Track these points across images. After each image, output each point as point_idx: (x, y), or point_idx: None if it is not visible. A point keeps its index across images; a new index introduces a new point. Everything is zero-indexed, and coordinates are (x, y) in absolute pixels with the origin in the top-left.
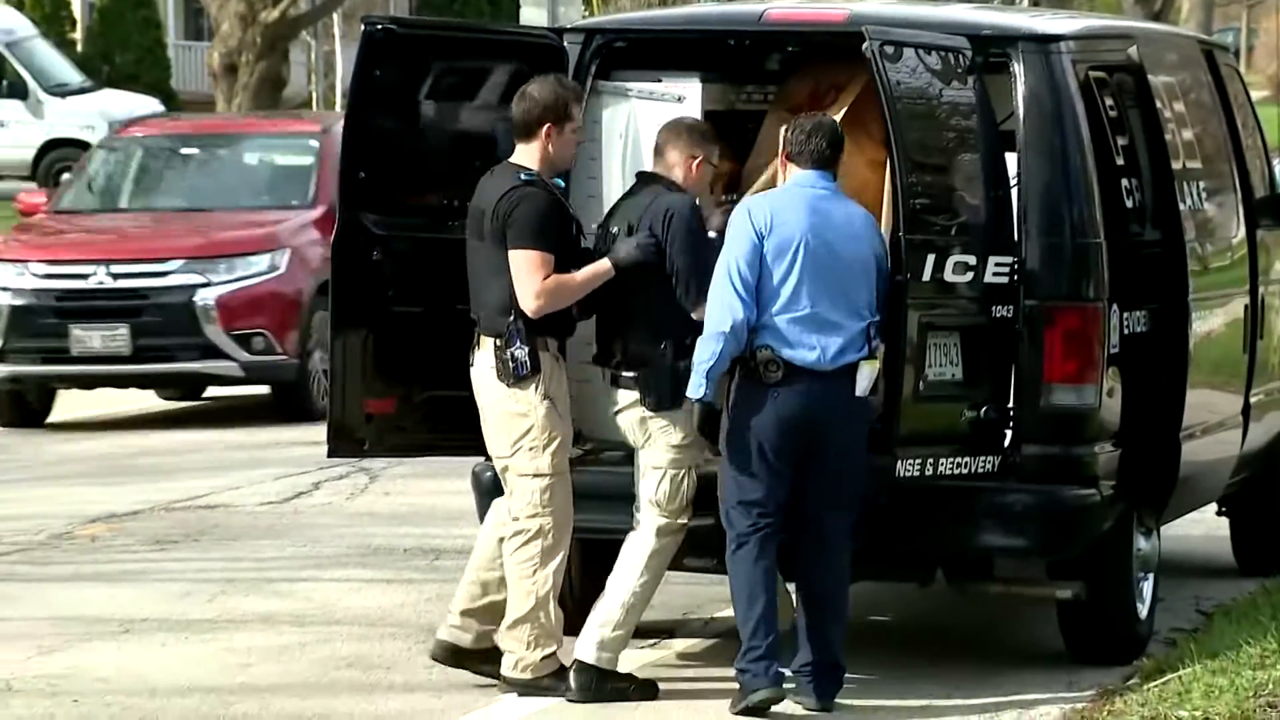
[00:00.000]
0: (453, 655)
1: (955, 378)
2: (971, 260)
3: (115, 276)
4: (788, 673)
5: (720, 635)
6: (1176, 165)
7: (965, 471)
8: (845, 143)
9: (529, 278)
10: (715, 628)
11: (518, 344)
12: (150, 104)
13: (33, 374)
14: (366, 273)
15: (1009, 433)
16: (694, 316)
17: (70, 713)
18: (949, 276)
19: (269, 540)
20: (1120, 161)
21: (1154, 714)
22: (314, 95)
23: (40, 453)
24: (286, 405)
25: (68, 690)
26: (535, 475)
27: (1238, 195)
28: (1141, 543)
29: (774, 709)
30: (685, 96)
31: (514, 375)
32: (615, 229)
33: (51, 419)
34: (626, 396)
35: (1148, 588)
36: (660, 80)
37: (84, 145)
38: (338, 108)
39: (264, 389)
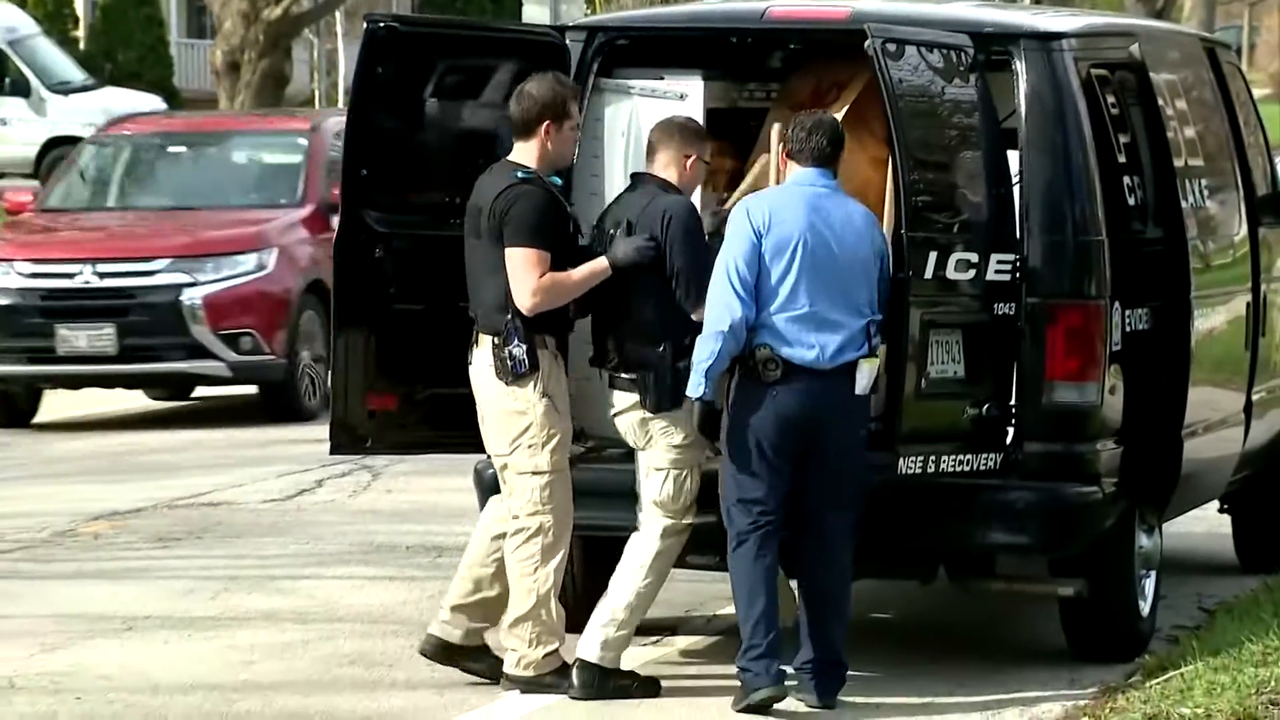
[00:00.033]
0: (442, 651)
1: (957, 375)
2: (973, 258)
3: (101, 276)
4: (790, 670)
5: (722, 633)
6: (1178, 163)
7: (967, 469)
8: (847, 140)
9: (525, 275)
10: (717, 625)
11: (515, 342)
12: (153, 102)
13: (18, 374)
14: (369, 270)
15: (1011, 430)
16: (693, 318)
17: (73, 710)
18: (951, 274)
19: (272, 538)
20: (1122, 159)
21: (1156, 711)
22: (317, 93)
23: (43, 451)
24: (274, 405)
25: (70, 688)
26: (535, 473)
27: (1240, 193)
28: (1144, 540)
29: (776, 707)
30: (687, 94)
31: (512, 373)
32: (612, 229)
33: (51, 417)
34: (626, 398)
35: (1150, 585)
36: (662, 78)
37: None
38: (340, 105)
39: (252, 389)
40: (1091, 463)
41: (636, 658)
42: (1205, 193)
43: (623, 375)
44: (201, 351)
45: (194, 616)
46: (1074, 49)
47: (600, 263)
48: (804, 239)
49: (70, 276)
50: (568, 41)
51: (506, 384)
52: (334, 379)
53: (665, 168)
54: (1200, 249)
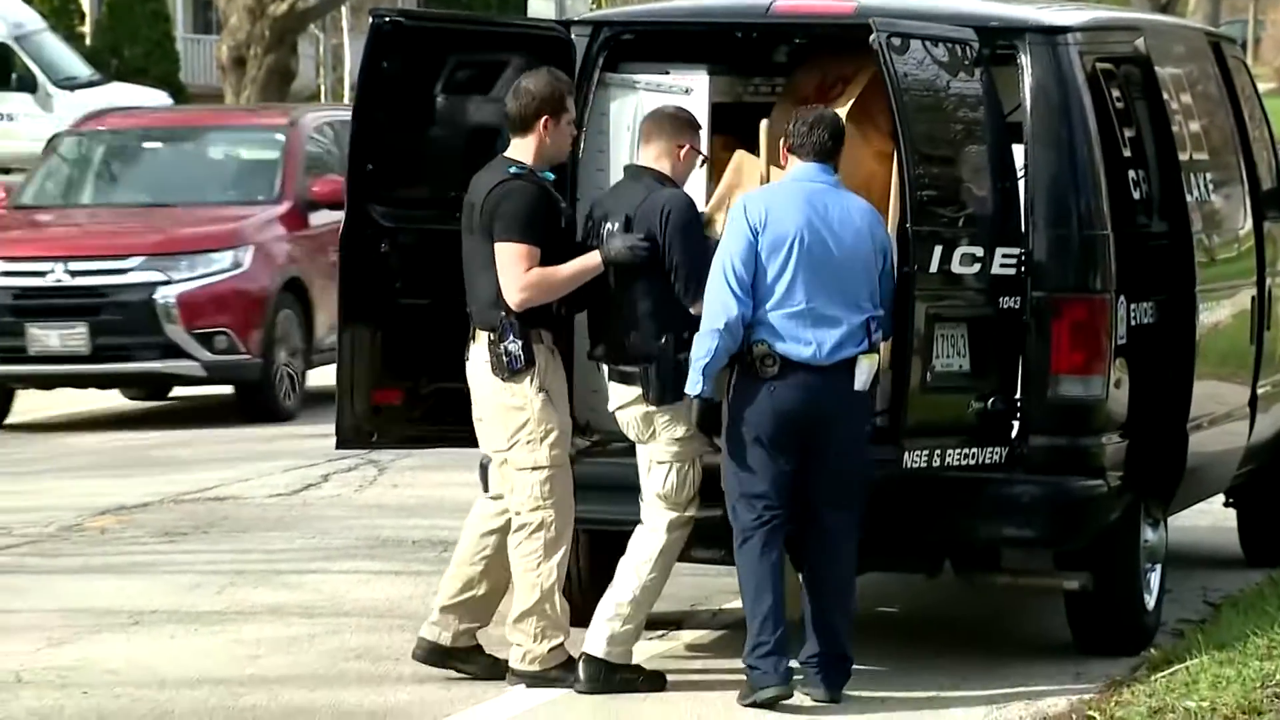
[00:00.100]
0: (433, 654)
1: (963, 369)
2: (979, 252)
3: (74, 274)
4: (795, 665)
5: (728, 627)
6: (1183, 157)
7: (972, 462)
8: (853, 135)
9: (513, 270)
10: (723, 619)
11: (511, 338)
12: (159, 97)
13: None
14: (374, 265)
15: (1016, 424)
16: (692, 312)
17: (79, 704)
18: (956, 268)
19: (278, 532)
20: (1127, 153)
21: (1161, 705)
22: (322, 88)
23: (48, 446)
24: (250, 405)
25: (77, 682)
26: (534, 468)
27: (1245, 187)
28: (1149, 534)
29: (782, 701)
30: (692, 88)
31: (508, 369)
32: (610, 223)
33: (27, 418)
34: (627, 392)
35: (1155, 579)
36: (668, 72)
37: None
38: (346, 100)
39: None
40: (1097, 456)
41: (642, 651)
42: (1210, 187)
43: (624, 368)
44: (175, 351)
45: (200, 611)
46: (1079, 43)
47: (592, 258)
48: (801, 236)
49: (42, 275)
50: (573, 36)
51: (503, 380)
52: (339, 373)
53: (658, 159)
54: (1205, 243)
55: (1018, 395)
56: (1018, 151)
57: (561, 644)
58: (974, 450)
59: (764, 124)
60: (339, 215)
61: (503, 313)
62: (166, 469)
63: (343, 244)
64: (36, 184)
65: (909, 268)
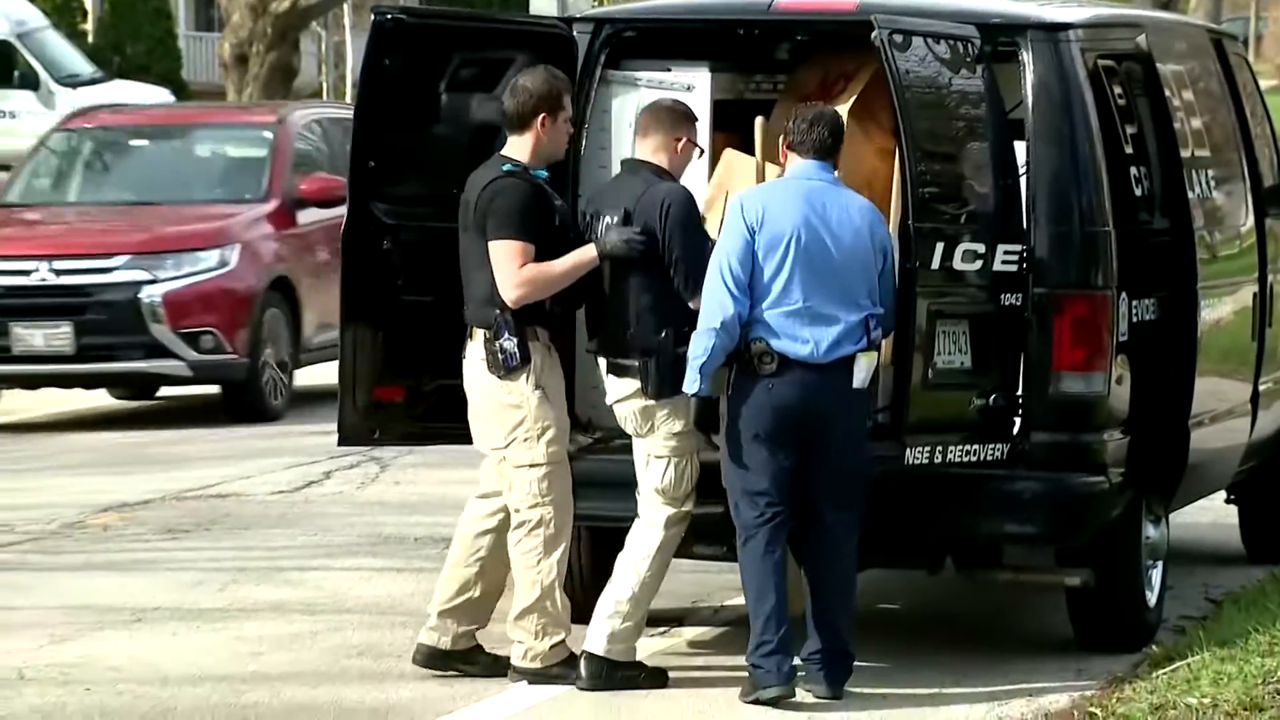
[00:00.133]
0: (434, 658)
1: (964, 366)
2: (980, 249)
3: (58, 273)
4: (798, 661)
5: (730, 623)
6: (1185, 153)
7: (974, 459)
8: (855, 132)
9: (507, 267)
10: (725, 616)
11: (506, 335)
12: (161, 94)
13: None
14: (376, 262)
15: (1018, 420)
16: (691, 306)
17: (82, 701)
18: (958, 265)
19: (280, 529)
20: (1129, 150)
21: (1163, 701)
22: (324, 85)
23: (49, 443)
24: (237, 405)
25: (79, 679)
26: (532, 465)
27: (1246, 183)
28: (1150, 530)
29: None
30: (694, 85)
31: (504, 366)
32: (608, 216)
33: (47, 412)
34: (626, 386)
35: (1156, 575)
36: (669, 69)
37: None
38: (348, 98)
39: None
40: (1098, 453)
41: (644, 648)
42: (1212, 183)
43: (623, 362)
44: (161, 351)
45: (202, 608)
46: (1081, 40)
47: (587, 252)
48: (797, 234)
49: (26, 274)
50: (575, 33)
51: (499, 378)
52: (341, 370)
53: (656, 152)
54: (1207, 239)
55: (1019, 392)
56: (1019, 148)
57: (563, 641)
58: (975, 447)
59: (759, 121)
60: (327, 213)
61: (497, 310)
62: (168, 466)
63: (345, 241)
64: (23, 182)
65: (911, 264)
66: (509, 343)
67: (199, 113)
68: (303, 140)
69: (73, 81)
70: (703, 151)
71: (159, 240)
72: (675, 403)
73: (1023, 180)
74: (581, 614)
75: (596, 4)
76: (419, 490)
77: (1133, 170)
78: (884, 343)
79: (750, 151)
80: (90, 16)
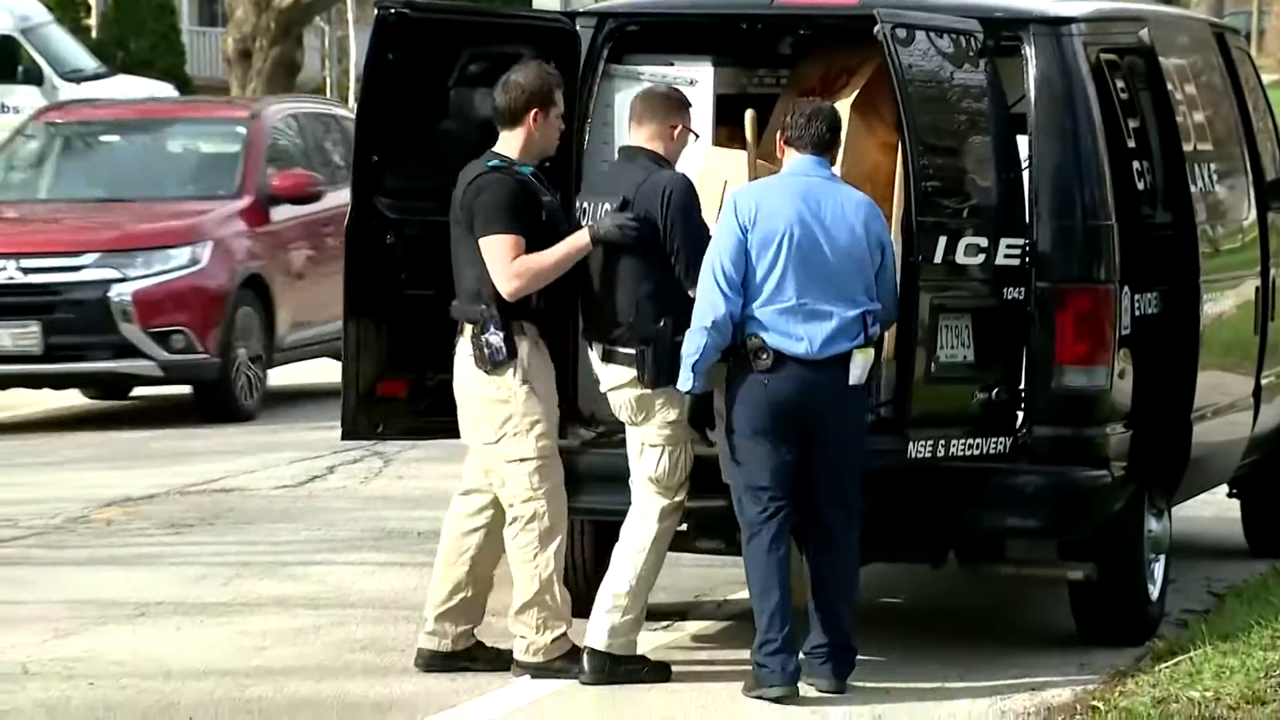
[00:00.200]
0: (436, 660)
1: (967, 359)
2: (983, 242)
3: (26, 271)
4: (801, 655)
5: (733, 618)
6: (1188, 147)
7: (977, 453)
8: (858, 126)
9: (500, 260)
10: (728, 610)
11: (492, 330)
12: (165, 89)
13: None
14: (379, 256)
15: (1020, 414)
16: (691, 295)
17: (86, 696)
18: (960, 259)
19: (284, 524)
20: (1131, 144)
21: (1165, 695)
22: (328, 80)
23: (54, 438)
24: (208, 405)
25: (83, 673)
26: (522, 460)
27: (1249, 177)
28: (1153, 524)
29: None
30: (697, 80)
31: (490, 361)
32: (605, 203)
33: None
34: (621, 374)
35: (1159, 569)
36: (672, 64)
37: None
38: (351, 92)
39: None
40: (1101, 447)
41: (647, 642)
42: (1214, 177)
43: (620, 350)
44: (131, 350)
45: (206, 602)
46: (1083, 34)
47: (580, 238)
48: (790, 232)
49: None
50: (578, 27)
51: (486, 373)
52: (345, 365)
53: (652, 139)
54: (1209, 233)
55: (1022, 386)
56: (1022, 142)
57: (564, 634)
58: (978, 440)
59: (749, 114)
60: (302, 210)
61: (483, 305)
62: (172, 461)
63: (348, 235)
64: None
65: (913, 259)
66: (495, 337)
67: (171, 108)
68: (277, 135)
69: (76, 77)
70: (698, 137)
71: (129, 238)
72: (671, 392)
73: (1025, 174)
74: (584, 607)
75: None
76: (422, 485)
77: (1135, 164)
78: (887, 337)
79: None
80: (94, 11)
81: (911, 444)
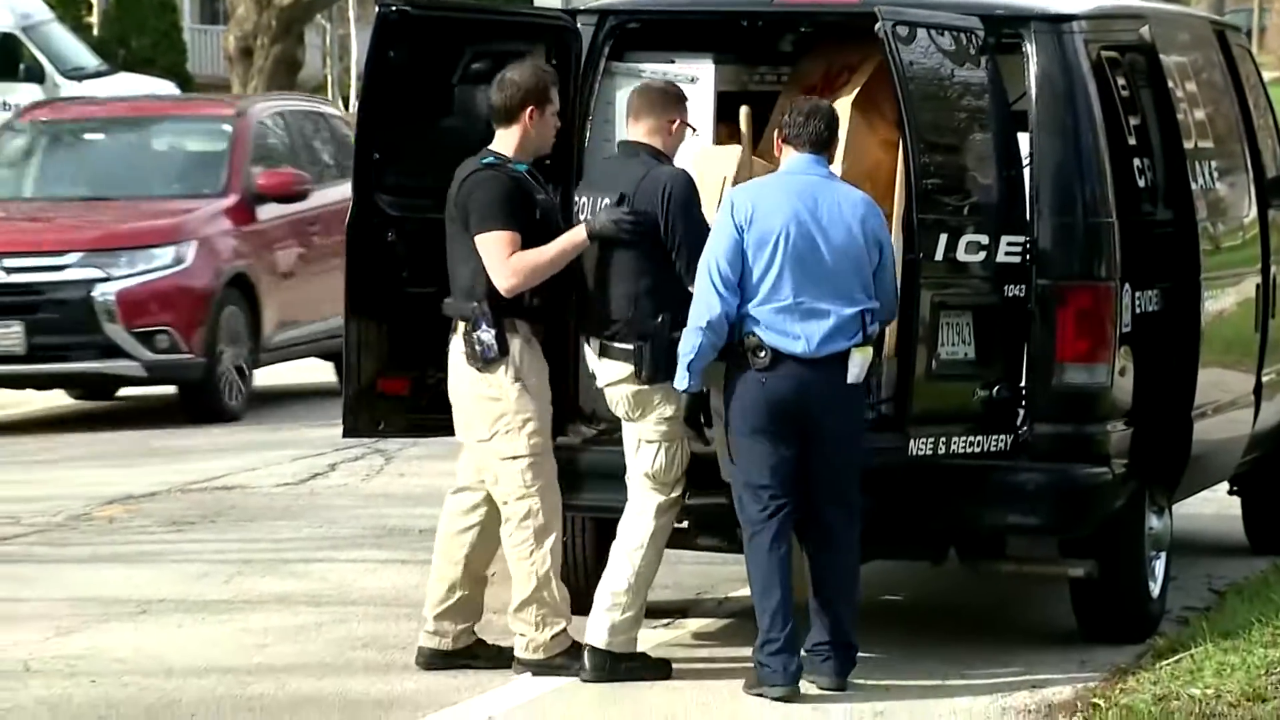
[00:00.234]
0: (437, 659)
1: (968, 357)
2: (984, 240)
3: (9, 270)
4: (802, 652)
5: (734, 615)
6: (1188, 145)
7: (978, 450)
8: (859, 123)
9: (497, 257)
10: (729, 608)
11: (483, 327)
12: (166, 87)
13: None
14: (380, 254)
15: (1021, 411)
16: (690, 291)
17: (88, 693)
18: (961, 256)
19: (285, 521)
20: (1132, 141)
21: (1166, 692)
22: (329, 78)
23: (55, 436)
24: (193, 406)
25: (85, 671)
26: (514, 457)
27: (1249, 175)
28: (1154, 521)
29: None
30: (698, 77)
31: (481, 358)
32: (603, 198)
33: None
34: (619, 370)
35: (1160, 566)
36: (673, 61)
37: None
38: (352, 91)
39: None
40: (1102, 444)
41: (648, 640)
42: (1215, 175)
43: (618, 345)
44: (115, 350)
45: (208, 600)
46: (1084, 31)
47: (577, 234)
48: (787, 231)
49: None
50: (579, 25)
51: (478, 370)
52: (346, 362)
53: (650, 134)
54: (1210, 231)
55: (1023, 383)
56: (1023, 140)
57: (564, 630)
58: (979, 438)
59: (744, 110)
60: (288, 209)
61: (475, 302)
62: (174, 459)
63: (349, 233)
64: None
65: (914, 256)
66: (486, 335)
67: (156, 106)
68: (263, 133)
69: (78, 74)
70: (695, 131)
71: (112, 237)
72: (668, 388)
73: (1026, 172)
74: (585, 604)
75: None
76: (423, 482)
77: (1136, 161)
78: (888, 334)
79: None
80: (95, 9)
81: (912, 441)
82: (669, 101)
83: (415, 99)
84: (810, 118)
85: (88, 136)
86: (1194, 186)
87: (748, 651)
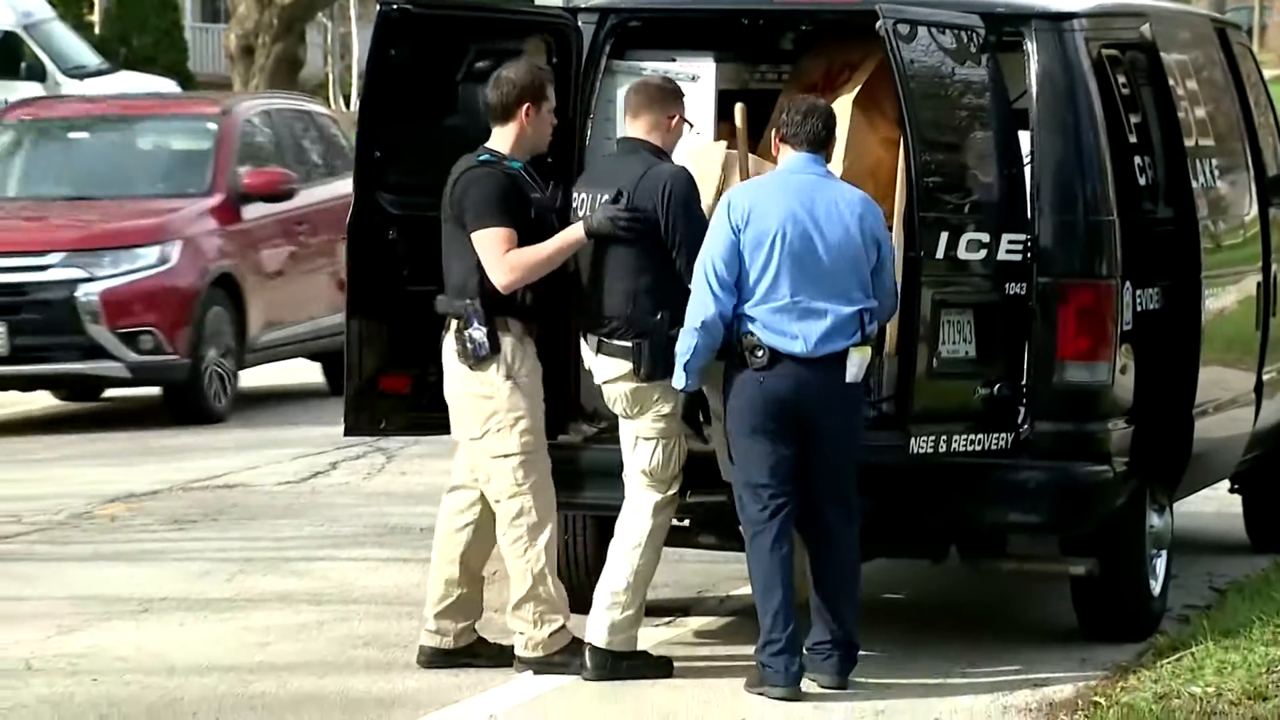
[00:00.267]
0: (439, 657)
1: (969, 355)
2: (985, 238)
3: None
4: (804, 652)
5: (735, 613)
6: (1189, 143)
7: (979, 448)
8: (860, 122)
9: (494, 254)
10: (731, 606)
11: (475, 325)
12: (168, 86)
13: None
14: (381, 252)
15: (1022, 409)
16: (690, 289)
17: (90, 692)
18: (962, 254)
19: (287, 520)
20: (1133, 139)
21: (1167, 690)
22: (330, 77)
23: (57, 435)
24: (178, 407)
25: (87, 669)
26: (506, 455)
27: (1250, 173)
28: (1155, 519)
29: None
30: (699, 76)
31: (473, 356)
32: (600, 195)
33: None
34: (618, 367)
35: (1161, 564)
36: (674, 60)
37: None
38: (354, 89)
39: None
40: (1103, 442)
41: (650, 638)
42: (1216, 173)
43: (617, 343)
44: (98, 351)
45: (210, 598)
46: (1085, 29)
47: (574, 231)
48: (783, 231)
49: None
50: (580, 23)
51: (469, 368)
52: (348, 360)
53: (650, 131)
54: (1211, 229)
55: (1024, 381)
56: (1024, 138)
57: (563, 626)
58: (980, 436)
59: (739, 107)
60: (275, 208)
61: (467, 300)
62: (175, 457)
63: (350, 232)
64: None
65: (915, 254)
66: (478, 332)
67: (142, 104)
68: (250, 132)
69: (79, 73)
70: (692, 126)
71: (96, 237)
72: (666, 385)
73: (1027, 170)
74: (586, 603)
75: None
76: (425, 480)
77: (1137, 159)
78: (889, 332)
79: (755, 139)
80: (97, 8)
81: (913, 439)
82: (667, 97)
83: (416, 97)
84: (808, 117)
85: (72, 135)
86: (1195, 184)
87: (749, 650)
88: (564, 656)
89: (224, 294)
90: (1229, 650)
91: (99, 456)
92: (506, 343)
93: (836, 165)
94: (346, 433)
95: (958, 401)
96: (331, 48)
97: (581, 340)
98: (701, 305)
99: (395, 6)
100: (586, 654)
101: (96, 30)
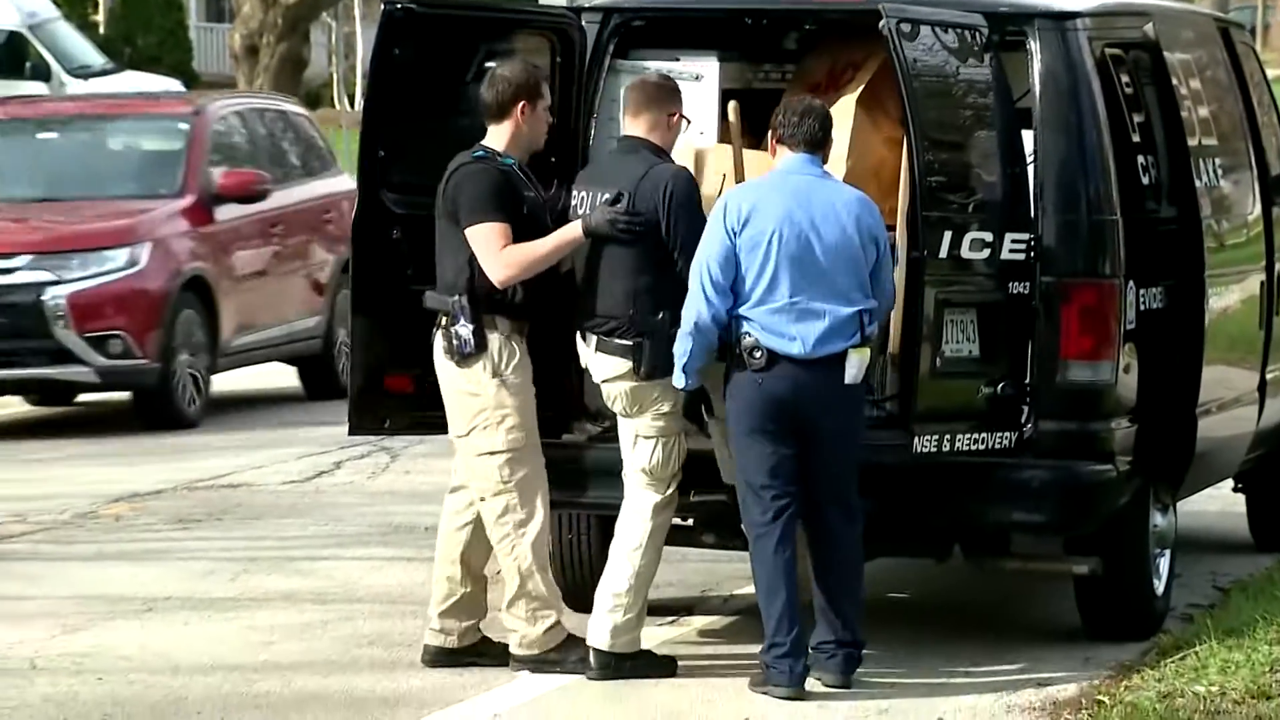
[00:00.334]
0: (443, 656)
1: (972, 354)
2: (988, 237)
3: None
4: (809, 652)
5: (739, 612)
6: (1192, 142)
7: (982, 447)
8: (863, 121)
9: (490, 249)
10: (734, 605)
11: (461, 322)
12: (172, 85)
13: None
14: (386, 251)
15: (1026, 409)
16: None
17: (94, 691)
18: (966, 253)
19: (291, 519)
20: (1136, 138)
21: (1170, 690)
22: (335, 76)
23: (61, 434)
24: (148, 412)
25: (91, 668)
26: (491, 453)
27: (1253, 172)
28: (1158, 519)
29: None
30: (703, 75)
31: (459, 353)
32: (599, 194)
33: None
34: (617, 365)
35: (1164, 564)
36: (678, 59)
37: None
38: (358, 89)
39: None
40: (1106, 441)
41: (653, 637)
42: (1219, 172)
43: (617, 342)
44: (66, 356)
45: (214, 597)
46: (1088, 28)
47: (572, 230)
48: (780, 232)
49: None
50: (584, 23)
51: (456, 365)
52: (352, 360)
53: (650, 130)
54: (1214, 228)
55: (1027, 380)
56: (1027, 137)
57: (557, 623)
58: (983, 435)
59: (732, 105)
60: (248, 209)
61: (455, 297)
62: (180, 456)
63: (354, 230)
64: None
65: (919, 253)
66: (464, 329)
67: (112, 104)
68: (223, 132)
69: (84, 73)
70: (690, 123)
71: (63, 239)
72: (666, 384)
73: (1030, 169)
74: (590, 602)
75: None
76: (429, 479)
77: (1140, 159)
78: (892, 332)
79: (758, 138)
80: (101, 8)
81: (917, 439)
82: (665, 95)
83: (420, 96)
84: (804, 117)
85: (41, 135)
86: (1198, 184)
87: (753, 649)
88: (559, 653)
89: (195, 297)
90: (1233, 649)
91: (103, 456)
92: (494, 340)
93: (840, 165)
94: (351, 432)
95: (961, 401)
96: (336, 47)
97: (578, 337)
98: (695, 309)
99: (400, 6)
100: (591, 656)
101: (101, 30)
